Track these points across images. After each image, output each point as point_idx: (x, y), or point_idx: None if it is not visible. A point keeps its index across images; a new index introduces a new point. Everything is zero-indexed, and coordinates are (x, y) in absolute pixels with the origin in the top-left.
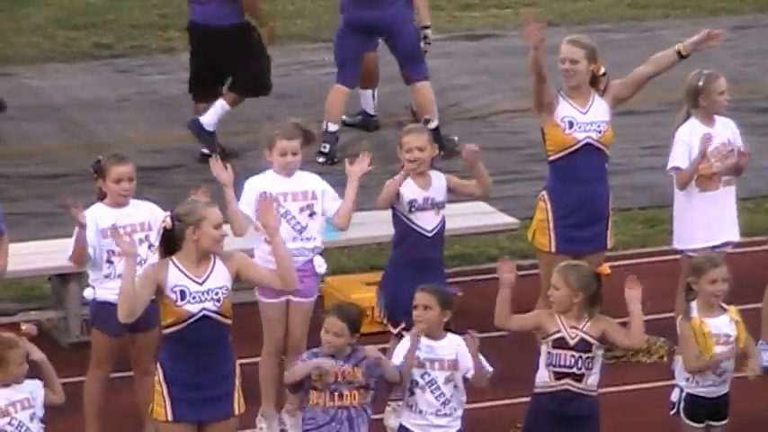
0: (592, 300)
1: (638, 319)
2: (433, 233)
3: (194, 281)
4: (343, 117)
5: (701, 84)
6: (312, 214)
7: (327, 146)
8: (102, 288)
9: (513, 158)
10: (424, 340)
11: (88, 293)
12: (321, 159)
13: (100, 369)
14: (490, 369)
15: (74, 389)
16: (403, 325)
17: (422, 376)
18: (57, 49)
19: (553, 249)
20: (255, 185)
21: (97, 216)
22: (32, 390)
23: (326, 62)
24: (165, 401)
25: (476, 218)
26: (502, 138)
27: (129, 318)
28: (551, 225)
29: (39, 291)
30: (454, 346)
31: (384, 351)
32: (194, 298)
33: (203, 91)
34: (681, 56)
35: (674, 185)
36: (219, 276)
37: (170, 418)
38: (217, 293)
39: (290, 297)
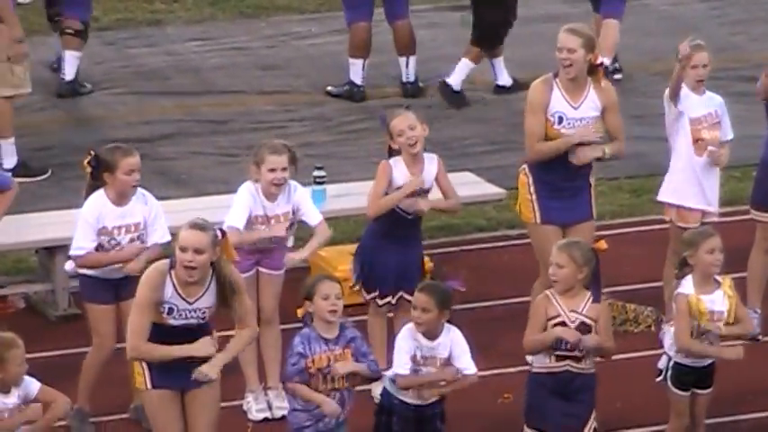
0: (591, 276)
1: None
2: (413, 214)
3: (185, 300)
4: (329, 87)
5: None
6: (292, 227)
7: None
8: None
9: (499, 129)
10: (424, 341)
11: (69, 266)
12: None
13: (102, 341)
14: (475, 374)
15: (60, 361)
16: (376, 293)
17: (414, 371)
18: (43, 23)
19: (538, 220)
20: (248, 204)
21: (101, 211)
22: (28, 390)
23: (313, 33)
24: (144, 371)
25: (462, 188)
26: (488, 108)
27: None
28: (534, 197)
29: (26, 264)
30: (449, 343)
31: (362, 324)
32: (180, 315)
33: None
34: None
35: (665, 153)
36: (211, 298)
37: (150, 386)
38: (204, 312)
39: (261, 268)
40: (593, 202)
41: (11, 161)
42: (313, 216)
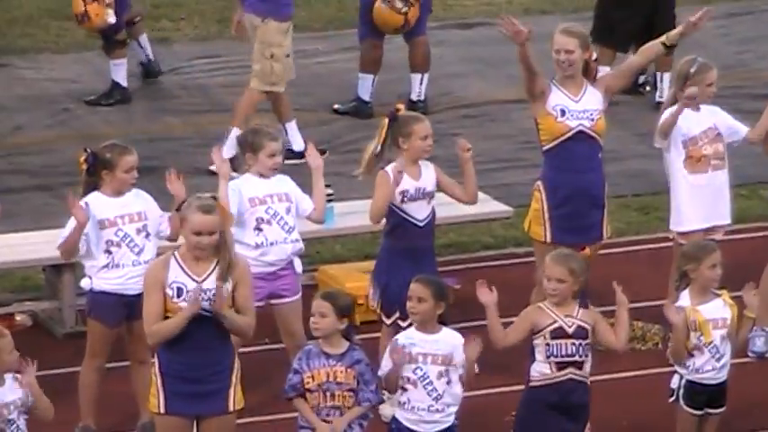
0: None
1: (625, 324)
2: (425, 222)
3: (193, 279)
4: (336, 105)
5: (692, 71)
6: (285, 212)
7: None
8: (100, 278)
9: (507, 146)
10: (417, 334)
11: (85, 283)
12: None
13: (95, 359)
14: (476, 370)
15: (68, 379)
16: (397, 314)
17: (414, 371)
18: (50, 40)
19: (548, 239)
20: (240, 190)
21: (96, 206)
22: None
23: (319, 51)
24: (159, 393)
25: (470, 206)
26: (495, 126)
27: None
28: (546, 215)
29: (33, 281)
30: (450, 342)
31: (372, 341)
32: (190, 297)
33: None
34: (666, 47)
35: (666, 169)
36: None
37: (162, 410)
38: (214, 294)
39: (276, 300)
40: (606, 221)
41: (298, 143)
42: (307, 202)
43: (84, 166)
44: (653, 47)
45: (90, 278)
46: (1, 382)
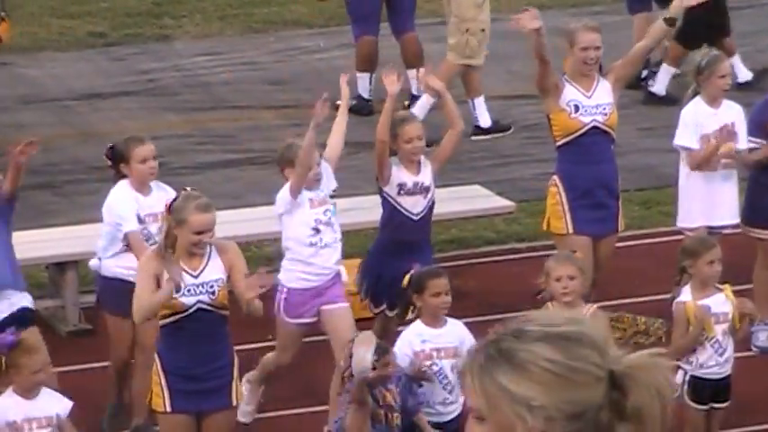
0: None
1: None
2: (419, 216)
3: (189, 273)
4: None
5: (703, 64)
6: (333, 213)
7: None
8: (113, 259)
9: (509, 142)
10: (426, 330)
11: (94, 264)
12: None
13: (117, 355)
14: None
15: (72, 378)
16: (384, 306)
17: (430, 367)
18: (51, 38)
19: (570, 230)
20: (304, 189)
21: (133, 197)
22: (60, 411)
23: (321, 48)
24: (163, 392)
25: (472, 201)
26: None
27: (141, 321)
28: (566, 207)
29: (36, 279)
30: (456, 333)
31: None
32: (189, 291)
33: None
34: (669, 23)
35: (675, 165)
36: (215, 269)
37: (168, 409)
38: (212, 286)
39: (323, 307)
40: (621, 213)
41: (485, 120)
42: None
43: (108, 162)
44: (656, 25)
45: (99, 260)
46: (32, 395)
